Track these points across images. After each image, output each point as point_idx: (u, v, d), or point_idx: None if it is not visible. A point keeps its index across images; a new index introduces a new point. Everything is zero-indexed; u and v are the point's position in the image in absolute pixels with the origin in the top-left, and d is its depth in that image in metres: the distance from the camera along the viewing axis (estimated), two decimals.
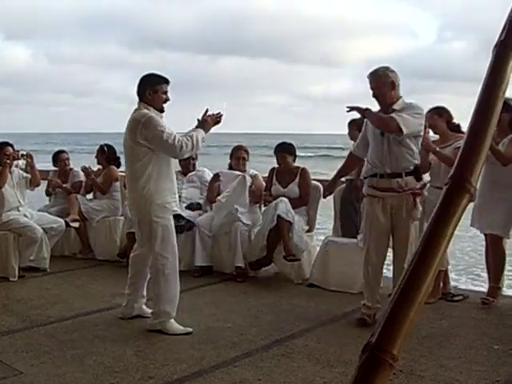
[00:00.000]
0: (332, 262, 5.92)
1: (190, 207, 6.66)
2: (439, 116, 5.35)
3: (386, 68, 4.72)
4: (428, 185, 5.55)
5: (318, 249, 6.24)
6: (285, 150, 6.39)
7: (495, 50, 1.03)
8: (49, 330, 4.58)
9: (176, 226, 6.29)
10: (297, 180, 6.32)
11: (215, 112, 4.71)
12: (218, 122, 4.74)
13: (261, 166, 7.00)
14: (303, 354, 4.13)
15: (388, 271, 6.62)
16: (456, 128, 5.35)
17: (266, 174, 6.72)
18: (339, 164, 5.35)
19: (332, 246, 6.02)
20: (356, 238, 5.87)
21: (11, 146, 6.46)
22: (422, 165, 5.36)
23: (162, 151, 4.49)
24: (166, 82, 4.66)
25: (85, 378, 3.67)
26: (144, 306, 4.90)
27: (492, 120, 0.98)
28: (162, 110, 4.63)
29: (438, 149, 5.18)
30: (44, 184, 7.39)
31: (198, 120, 4.67)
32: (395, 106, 4.64)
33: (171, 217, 4.65)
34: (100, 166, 7.40)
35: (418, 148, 4.71)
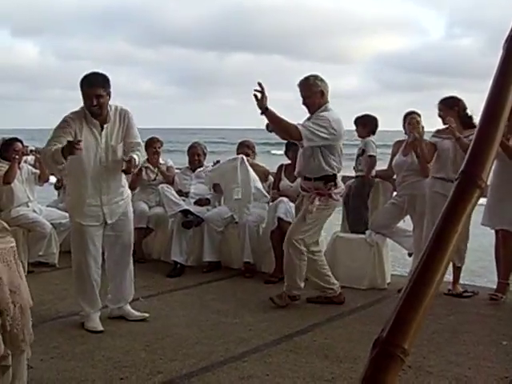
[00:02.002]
0: (340, 258, 5.92)
1: (198, 203, 6.67)
2: (450, 108, 5.33)
3: (316, 77, 4.98)
4: (430, 176, 5.53)
5: (325, 244, 6.24)
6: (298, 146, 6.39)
7: (506, 45, 1.03)
8: (58, 325, 4.60)
9: (184, 222, 6.36)
10: None
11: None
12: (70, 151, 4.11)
13: (269, 161, 6.97)
14: (311, 349, 4.13)
15: (404, 269, 6.63)
16: (468, 120, 5.31)
17: (274, 170, 6.72)
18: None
19: (340, 241, 6.02)
20: (364, 233, 5.88)
21: (20, 141, 6.48)
22: (427, 155, 5.39)
23: None
24: (90, 85, 4.33)
25: (94, 373, 3.68)
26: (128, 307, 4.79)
27: (503, 115, 0.98)
28: (93, 115, 4.37)
29: (461, 136, 5.16)
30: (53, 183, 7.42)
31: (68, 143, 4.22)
32: (313, 115, 4.93)
33: (81, 221, 4.49)
34: None
35: (336, 156, 4.97)
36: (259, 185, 6.33)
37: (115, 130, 4.47)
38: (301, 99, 5.02)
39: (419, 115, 5.73)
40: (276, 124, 4.86)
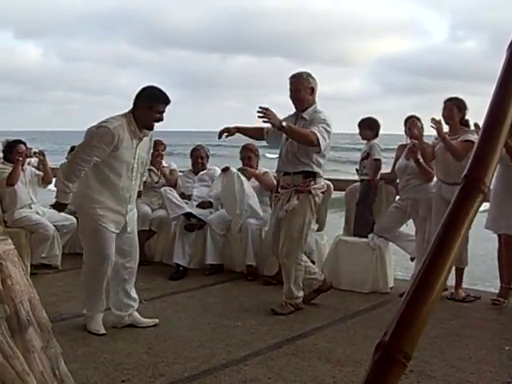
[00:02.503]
0: (342, 262, 5.92)
1: (201, 205, 6.67)
2: (459, 110, 5.35)
3: (309, 74, 5.03)
4: (435, 179, 5.55)
5: (328, 248, 6.24)
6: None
7: (510, 49, 1.03)
8: (60, 327, 4.59)
9: (187, 225, 6.37)
10: None
11: None
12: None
13: (264, 165, 6.96)
14: (313, 352, 4.13)
15: (407, 274, 6.61)
16: (465, 123, 5.36)
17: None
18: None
19: (342, 245, 6.02)
20: (367, 237, 5.87)
21: (24, 143, 6.50)
22: (424, 155, 5.41)
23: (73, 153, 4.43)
24: (166, 102, 4.46)
25: (96, 375, 3.69)
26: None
27: (506, 119, 0.98)
28: (149, 128, 4.46)
29: (447, 136, 5.21)
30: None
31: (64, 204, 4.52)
32: (305, 115, 4.95)
33: (107, 226, 4.45)
34: None
35: (322, 156, 4.95)
36: (253, 201, 6.30)
37: (146, 144, 4.57)
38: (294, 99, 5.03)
39: (419, 119, 5.74)
40: (295, 135, 4.85)
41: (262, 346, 4.25)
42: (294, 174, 4.97)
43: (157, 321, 4.70)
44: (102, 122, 4.35)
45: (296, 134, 4.85)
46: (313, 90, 4.99)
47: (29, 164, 6.69)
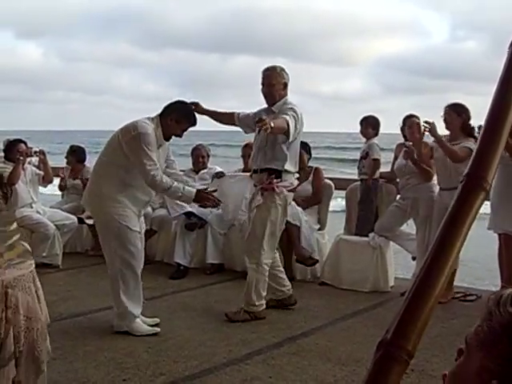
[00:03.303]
0: (343, 261, 5.92)
1: (201, 205, 6.65)
2: (457, 115, 5.30)
3: (282, 68, 4.92)
4: (435, 178, 5.54)
5: (329, 247, 6.24)
6: (302, 149, 6.34)
7: (511, 48, 1.03)
8: (61, 326, 4.60)
9: (187, 224, 6.37)
10: (310, 179, 6.31)
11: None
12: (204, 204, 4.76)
13: None
14: (314, 352, 4.13)
15: (407, 273, 6.60)
16: (470, 131, 5.30)
17: None
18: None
19: (343, 244, 6.01)
20: (368, 236, 5.87)
21: (24, 143, 6.51)
22: (421, 157, 5.39)
23: (138, 170, 4.36)
24: (193, 124, 4.59)
25: (96, 374, 3.69)
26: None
27: (508, 118, 0.98)
28: (167, 139, 4.54)
29: (442, 138, 5.19)
30: (56, 181, 7.44)
31: (199, 191, 4.63)
32: (274, 108, 4.81)
33: (136, 228, 4.48)
34: None
35: (292, 155, 4.80)
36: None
37: (165, 151, 4.63)
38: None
39: (418, 118, 5.70)
40: (277, 130, 4.54)
41: (263, 345, 4.26)
42: (260, 172, 4.83)
43: (157, 320, 4.68)
44: (137, 126, 4.35)
45: (277, 129, 4.51)
46: (285, 85, 4.86)
47: (29, 163, 6.69)
